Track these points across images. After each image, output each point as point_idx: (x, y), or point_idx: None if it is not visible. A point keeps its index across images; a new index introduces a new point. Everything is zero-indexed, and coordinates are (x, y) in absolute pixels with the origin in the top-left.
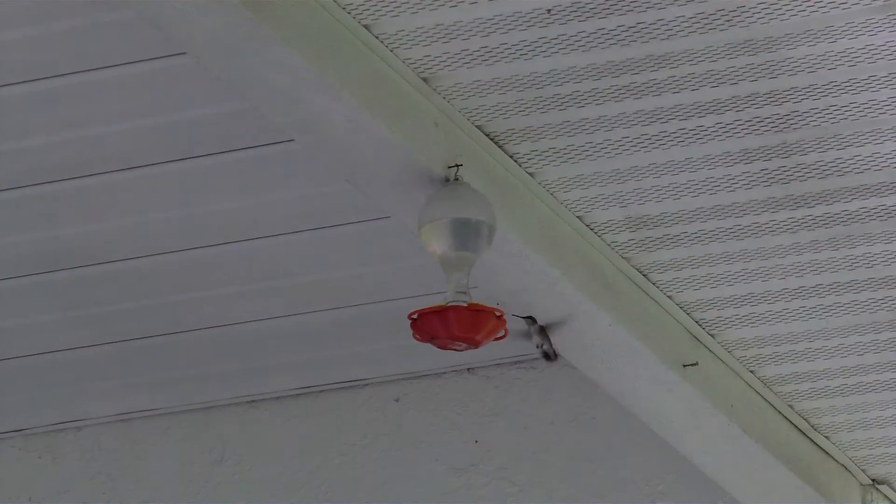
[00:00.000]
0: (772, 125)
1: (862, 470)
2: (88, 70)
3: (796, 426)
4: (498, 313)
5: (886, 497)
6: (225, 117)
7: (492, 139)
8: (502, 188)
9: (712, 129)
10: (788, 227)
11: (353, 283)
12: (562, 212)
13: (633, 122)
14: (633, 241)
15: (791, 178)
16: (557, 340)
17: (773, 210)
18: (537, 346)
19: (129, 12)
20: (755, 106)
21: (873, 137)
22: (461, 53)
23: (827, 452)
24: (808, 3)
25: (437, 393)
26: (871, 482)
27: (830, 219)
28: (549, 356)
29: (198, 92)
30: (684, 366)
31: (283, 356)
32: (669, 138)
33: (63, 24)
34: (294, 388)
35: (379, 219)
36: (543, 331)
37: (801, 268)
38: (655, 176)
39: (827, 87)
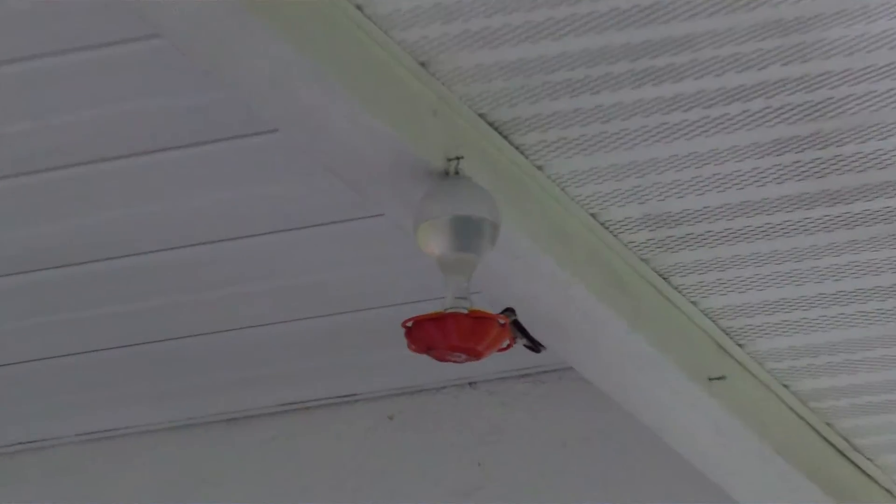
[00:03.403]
0: (805, 113)
1: None
2: (59, 53)
3: (835, 446)
4: (502, 321)
5: None
6: (205, 106)
7: (496, 129)
8: (507, 183)
9: (739, 118)
10: (824, 225)
11: (341, 288)
12: (573, 208)
13: (651, 111)
14: (653, 241)
15: (827, 171)
16: (569, 351)
17: (807, 206)
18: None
19: None
20: (786, 92)
21: None
22: (462, 35)
23: (869, 476)
24: None
25: (435, 410)
26: None
27: (871, 216)
28: (535, 347)
29: (176, 79)
30: (710, 379)
31: (265, 369)
32: (692, 128)
33: (27, 4)
34: (278, 403)
35: (370, 217)
36: (518, 325)
37: (838, 270)
38: (677, 169)
39: (865, 71)
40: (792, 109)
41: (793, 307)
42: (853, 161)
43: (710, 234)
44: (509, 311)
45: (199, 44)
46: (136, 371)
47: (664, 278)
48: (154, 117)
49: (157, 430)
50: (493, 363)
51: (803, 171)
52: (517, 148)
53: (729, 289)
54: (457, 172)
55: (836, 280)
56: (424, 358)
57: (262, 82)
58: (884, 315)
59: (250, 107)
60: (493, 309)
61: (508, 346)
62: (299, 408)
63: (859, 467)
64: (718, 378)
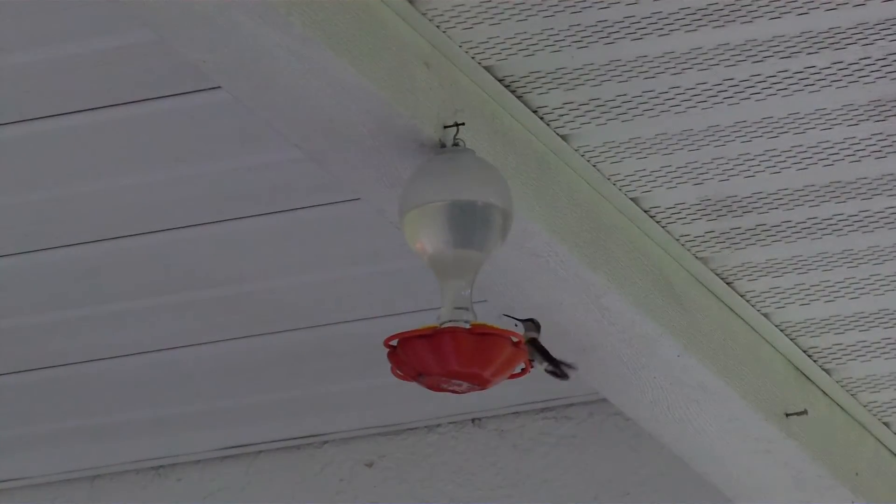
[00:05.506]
0: None
1: None
2: None
3: None
4: (515, 338)
5: None
6: (119, 55)
7: (507, 87)
8: (522, 157)
9: (828, 72)
10: None
11: (304, 296)
12: (609, 191)
13: (711, 62)
14: (713, 235)
15: None
16: (602, 378)
17: None
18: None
19: None
20: (890, 37)
21: None
22: None
23: None
24: None
25: (427, 454)
26: None
27: None
28: (560, 373)
29: (85, 20)
30: (787, 415)
31: (201, 402)
32: (765, 85)
33: None
34: (220, 447)
35: (343, 202)
36: (537, 343)
37: None
38: (744, 139)
39: None
40: None
41: None
42: None
43: (788, 224)
44: (530, 322)
45: None
46: (23, 408)
47: (728, 283)
48: (56, 72)
49: (59, 481)
50: (503, 394)
51: None
52: (535, 112)
53: (812, 296)
54: (456, 144)
55: None
56: (413, 387)
57: (202, 25)
58: None
59: (186, 57)
60: (503, 323)
61: (524, 372)
62: (249, 451)
63: None
64: (799, 413)
